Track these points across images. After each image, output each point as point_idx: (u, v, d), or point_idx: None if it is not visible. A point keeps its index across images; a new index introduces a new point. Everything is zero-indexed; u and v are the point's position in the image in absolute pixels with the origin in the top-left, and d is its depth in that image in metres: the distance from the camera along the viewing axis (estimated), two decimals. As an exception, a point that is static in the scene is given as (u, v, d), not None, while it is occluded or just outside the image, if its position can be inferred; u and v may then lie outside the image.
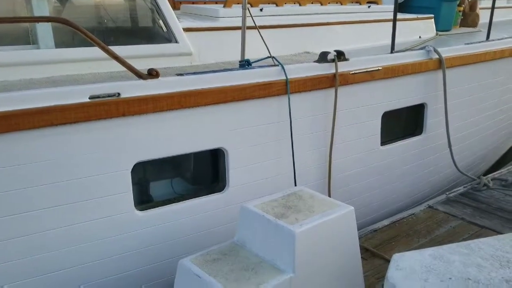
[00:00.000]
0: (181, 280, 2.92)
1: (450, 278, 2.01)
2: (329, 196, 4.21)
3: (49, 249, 3.03)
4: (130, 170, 3.21)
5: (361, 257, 3.26)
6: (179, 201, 3.55)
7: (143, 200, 3.48)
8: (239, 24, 3.89)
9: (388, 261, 2.25)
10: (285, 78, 3.78)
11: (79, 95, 2.91)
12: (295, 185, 4.01)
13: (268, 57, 3.90)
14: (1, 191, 2.79)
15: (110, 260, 3.29)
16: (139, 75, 3.16)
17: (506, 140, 7.43)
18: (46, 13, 3.58)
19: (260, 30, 4.07)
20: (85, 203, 3.08)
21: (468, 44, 5.45)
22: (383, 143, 4.81)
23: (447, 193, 5.29)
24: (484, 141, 6.46)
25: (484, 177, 5.51)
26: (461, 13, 7.90)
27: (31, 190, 2.88)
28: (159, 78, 3.22)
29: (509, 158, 7.74)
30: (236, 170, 3.75)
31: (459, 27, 7.90)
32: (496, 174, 5.86)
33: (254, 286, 2.63)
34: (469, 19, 8.06)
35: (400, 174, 5.14)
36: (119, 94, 3.04)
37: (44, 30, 3.54)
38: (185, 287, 2.88)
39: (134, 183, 3.28)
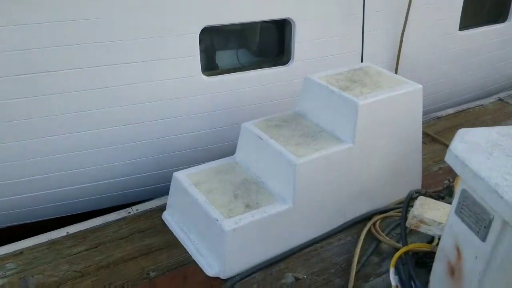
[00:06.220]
0: (244, 141, 3.06)
1: (517, 154, 1.96)
2: (396, 78, 4.08)
3: (119, 102, 3.21)
4: (198, 34, 3.23)
5: (422, 141, 3.22)
6: (244, 71, 3.59)
7: (210, 67, 3.54)
8: None
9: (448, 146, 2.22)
10: None
11: None
12: (362, 62, 3.90)
13: None
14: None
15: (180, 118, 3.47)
16: None
17: None
18: None
19: None
20: (155, 62, 3.17)
21: None
22: (461, 28, 4.48)
23: None
24: None
25: None
26: None
27: (105, 44, 2.98)
28: None
29: None
30: (302, 43, 3.67)
31: None
32: None
33: (313, 151, 2.71)
34: None
35: (475, 63, 4.83)
36: None
37: None
38: (247, 148, 3.03)
39: (201, 49, 3.32)
